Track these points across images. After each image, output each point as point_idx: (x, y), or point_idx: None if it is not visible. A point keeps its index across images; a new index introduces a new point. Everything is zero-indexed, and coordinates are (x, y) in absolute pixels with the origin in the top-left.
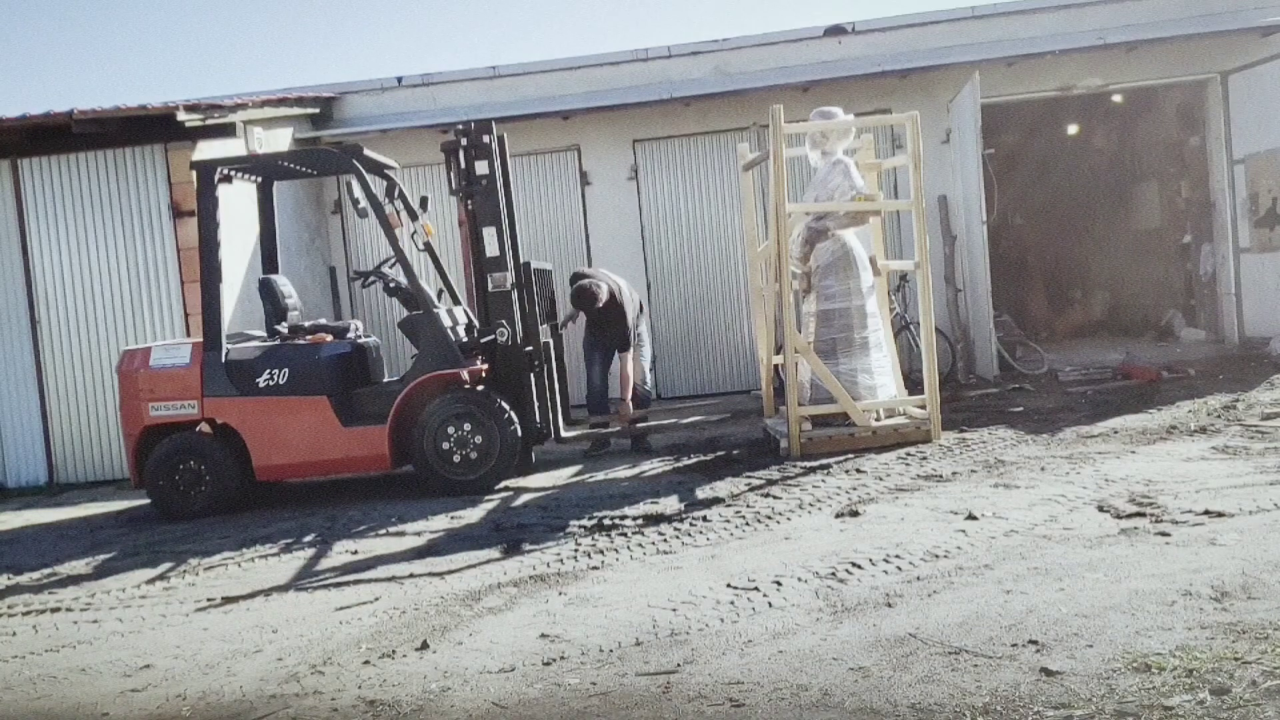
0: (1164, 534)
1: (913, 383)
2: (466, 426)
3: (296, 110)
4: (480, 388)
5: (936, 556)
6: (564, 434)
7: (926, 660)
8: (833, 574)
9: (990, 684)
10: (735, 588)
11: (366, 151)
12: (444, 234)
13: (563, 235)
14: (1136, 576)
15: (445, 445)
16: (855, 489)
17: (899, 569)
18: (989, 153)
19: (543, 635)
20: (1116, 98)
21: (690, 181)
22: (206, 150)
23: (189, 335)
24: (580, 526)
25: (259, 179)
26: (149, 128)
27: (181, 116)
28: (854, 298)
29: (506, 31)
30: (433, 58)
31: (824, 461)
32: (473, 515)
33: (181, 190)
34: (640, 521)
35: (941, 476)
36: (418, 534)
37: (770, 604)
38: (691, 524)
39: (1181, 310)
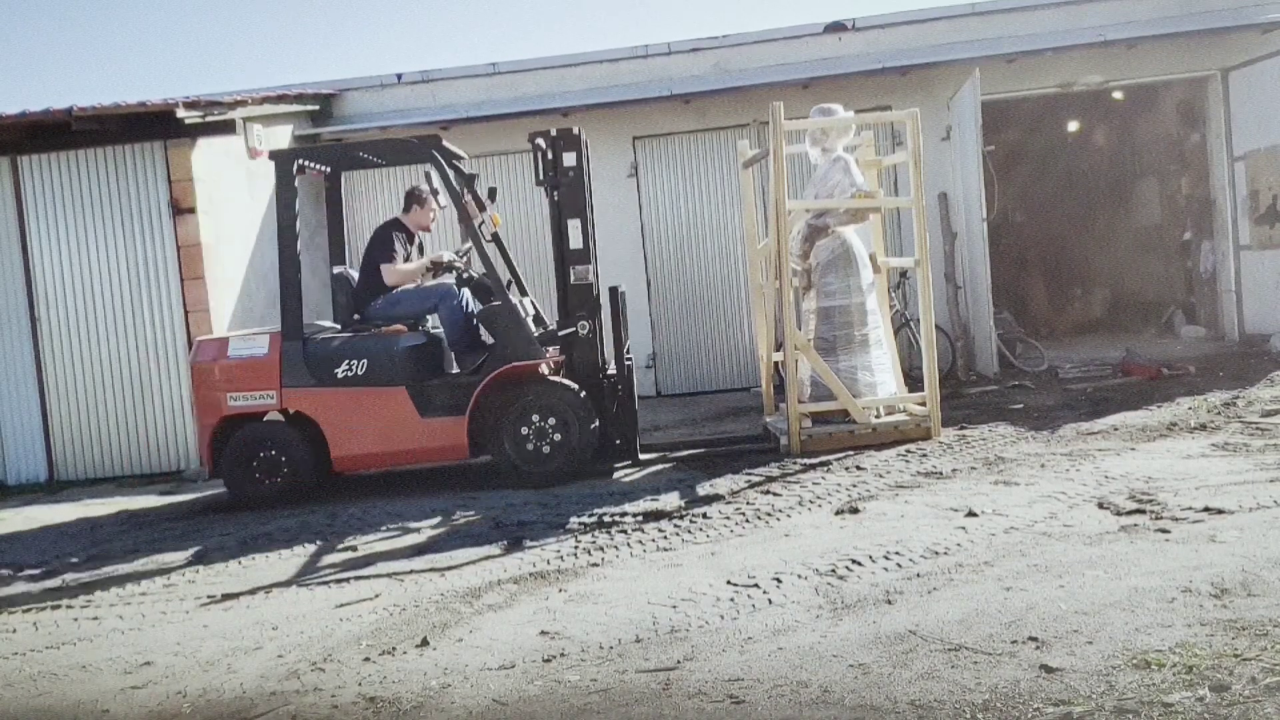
0: (1164, 531)
1: (913, 380)
2: (547, 419)
3: (296, 107)
4: (559, 380)
5: (936, 553)
6: (641, 456)
7: (926, 657)
8: (833, 571)
9: (990, 681)
10: (735, 585)
11: (443, 142)
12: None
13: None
14: (1136, 573)
15: (524, 435)
16: (855, 486)
17: (899, 566)
18: (989, 150)
19: (543, 632)
20: (1117, 95)
21: (690, 179)
22: (205, 148)
23: (188, 333)
24: (580, 524)
25: (328, 169)
26: (148, 125)
27: (181, 114)
28: (854, 295)
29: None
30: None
31: (824, 459)
32: (473, 513)
33: (181, 188)
34: (640, 519)
35: (941, 473)
36: (418, 531)
37: (770, 601)
38: (692, 521)
39: (1182, 307)
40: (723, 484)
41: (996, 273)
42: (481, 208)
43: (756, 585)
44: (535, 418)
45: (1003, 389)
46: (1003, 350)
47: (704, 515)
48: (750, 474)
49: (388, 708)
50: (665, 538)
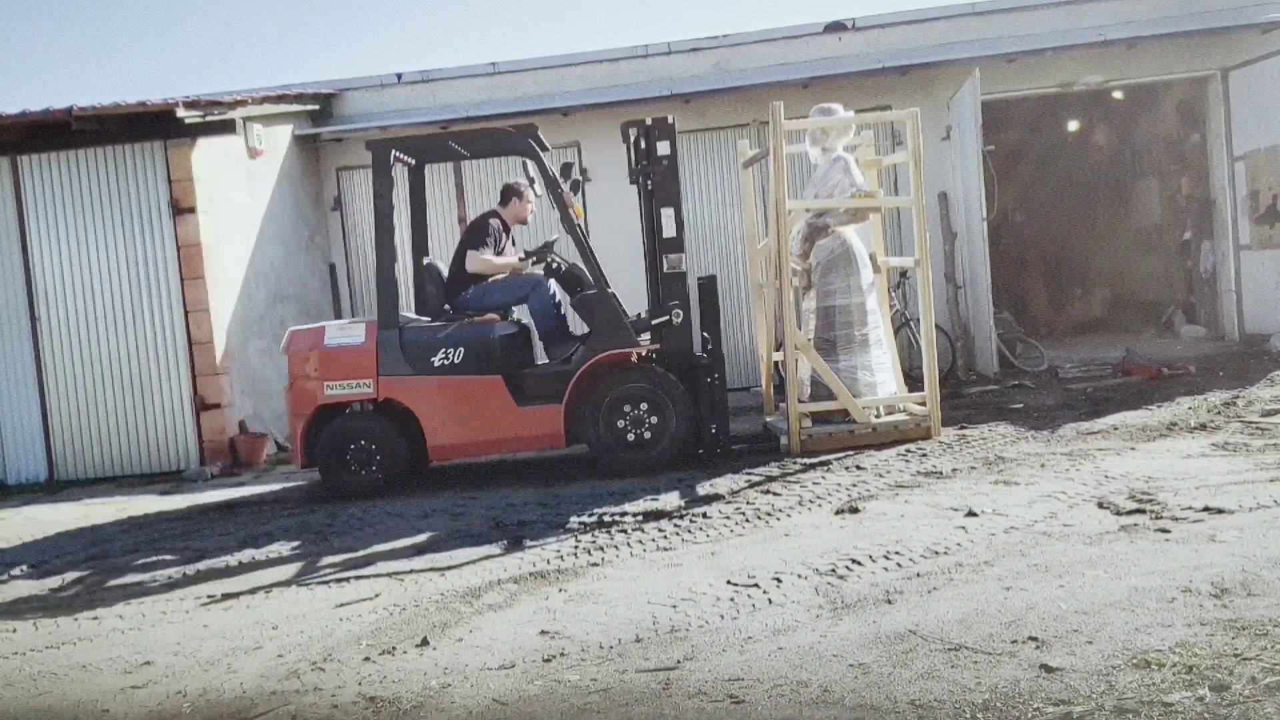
0: (1164, 531)
1: (913, 380)
2: (643, 406)
3: (296, 107)
4: (656, 368)
5: (936, 553)
6: (734, 447)
7: (926, 657)
8: (833, 571)
9: (990, 680)
10: (735, 584)
11: (538, 132)
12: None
13: (562, 232)
14: (1136, 573)
15: (620, 424)
16: (855, 486)
17: (899, 566)
18: (989, 150)
19: (543, 632)
20: (1117, 94)
21: (690, 178)
22: (205, 148)
23: (188, 333)
24: (580, 523)
25: (413, 162)
26: (148, 125)
27: (181, 113)
28: (854, 295)
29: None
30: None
31: (824, 459)
32: (473, 513)
33: (181, 187)
34: (640, 518)
35: (941, 473)
36: (418, 530)
37: (770, 601)
38: (691, 521)
39: (1182, 307)
40: (722, 484)
41: (996, 273)
42: (563, 199)
43: (756, 585)
44: (630, 406)
45: (1003, 389)
46: (1003, 350)
47: (704, 515)
48: (750, 474)
49: (388, 707)
50: (665, 537)
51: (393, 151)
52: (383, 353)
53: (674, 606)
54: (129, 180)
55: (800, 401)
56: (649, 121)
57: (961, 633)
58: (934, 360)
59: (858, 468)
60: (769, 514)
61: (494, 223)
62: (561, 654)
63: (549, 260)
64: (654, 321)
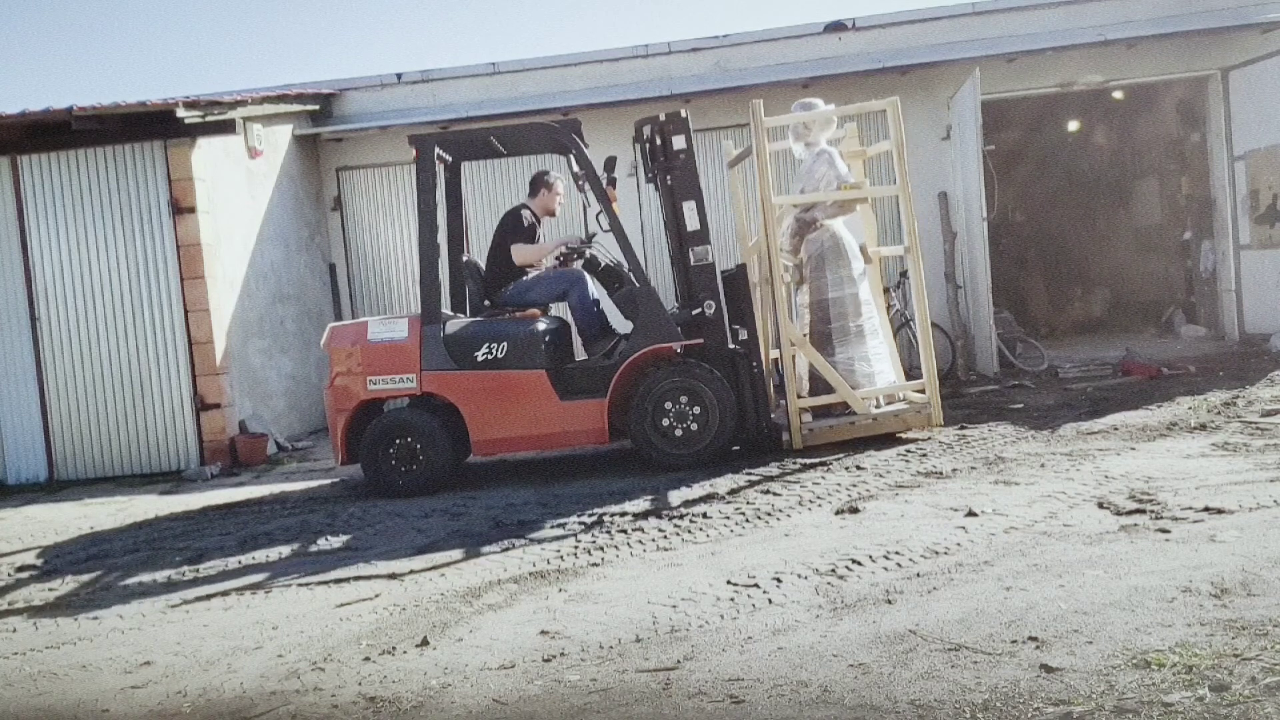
0: (1164, 531)
1: (913, 377)
2: (684, 399)
3: (296, 107)
4: (697, 361)
5: (936, 553)
6: (784, 437)
7: (926, 657)
8: (833, 571)
9: (990, 680)
10: (735, 584)
11: (581, 126)
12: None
13: (563, 232)
14: (1136, 573)
15: (664, 421)
16: (855, 486)
17: (899, 566)
18: (989, 149)
19: (543, 632)
20: (1117, 94)
21: None
22: (205, 147)
23: (188, 332)
24: (580, 523)
25: (451, 158)
26: (148, 124)
27: (181, 113)
28: (846, 286)
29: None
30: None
31: (823, 458)
32: (473, 513)
33: (181, 187)
34: (640, 518)
35: (941, 473)
36: (418, 530)
37: (770, 601)
38: (691, 521)
39: (1182, 307)
40: (722, 483)
41: (996, 272)
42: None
43: (756, 585)
44: (673, 402)
45: (1003, 389)
46: (1003, 350)
47: (704, 515)
48: (750, 473)
49: (388, 707)
50: (665, 537)
51: (435, 147)
52: (426, 347)
53: (674, 606)
54: (129, 180)
55: (800, 397)
56: (663, 117)
57: (961, 633)
58: (930, 349)
59: (858, 468)
60: (769, 514)
61: (526, 213)
62: (561, 654)
63: (589, 254)
64: (690, 314)
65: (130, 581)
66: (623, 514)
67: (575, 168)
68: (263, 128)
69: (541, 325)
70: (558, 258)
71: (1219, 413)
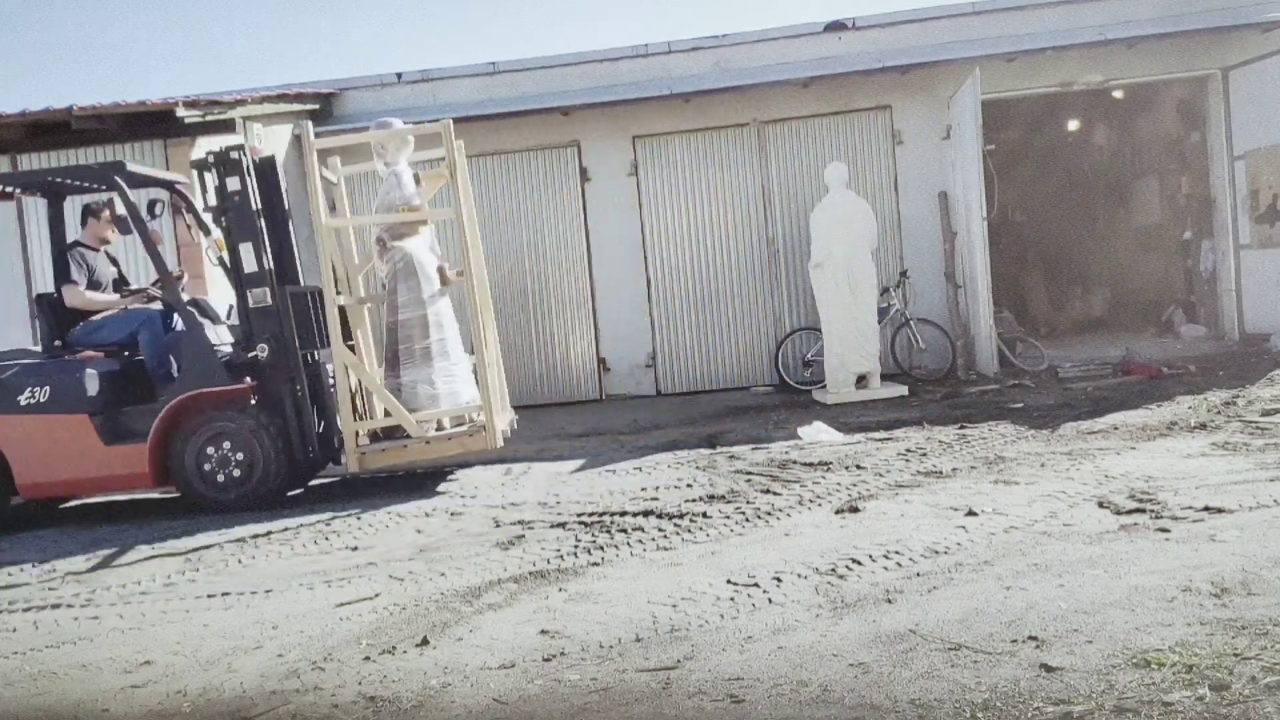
0: (1164, 530)
1: (912, 378)
2: (227, 445)
3: (296, 107)
4: (250, 405)
5: (936, 553)
6: (342, 460)
7: (926, 656)
8: (833, 570)
9: (990, 680)
10: (735, 584)
11: (132, 167)
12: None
13: (563, 231)
14: (1136, 573)
15: (206, 465)
16: (855, 485)
17: (899, 565)
18: (989, 149)
19: (543, 631)
20: (1117, 94)
21: (690, 177)
22: (206, 146)
23: None
24: (580, 523)
25: (38, 194)
26: (148, 124)
27: (181, 113)
28: (415, 308)
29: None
30: (432, 55)
31: (823, 458)
32: (473, 512)
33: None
34: (640, 518)
35: (941, 473)
36: (418, 530)
37: (770, 600)
38: (691, 521)
39: (1182, 306)
40: (722, 483)
41: (996, 272)
42: (206, 231)
43: (756, 584)
44: (215, 446)
45: (1003, 388)
46: (1003, 349)
47: (704, 515)
48: (750, 473)
49: (388, 707)
50: (665, 537)
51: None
52: None
53: (674, 606)
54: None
55: (361, 419)
56: (210, 160)
57: (961, 632)
58: (484, 362)
59: (857, 467)
60: (769, 514)
61: (79, 251)
62: (561, 653)
63: (158, 296)
64: (247, 357)
65: (130, 581)
66: (622, 514)
67: (119, 209)
68: (262, 127)
69: (91, 368)
70: (124, 296)
71: (1219, 412)
